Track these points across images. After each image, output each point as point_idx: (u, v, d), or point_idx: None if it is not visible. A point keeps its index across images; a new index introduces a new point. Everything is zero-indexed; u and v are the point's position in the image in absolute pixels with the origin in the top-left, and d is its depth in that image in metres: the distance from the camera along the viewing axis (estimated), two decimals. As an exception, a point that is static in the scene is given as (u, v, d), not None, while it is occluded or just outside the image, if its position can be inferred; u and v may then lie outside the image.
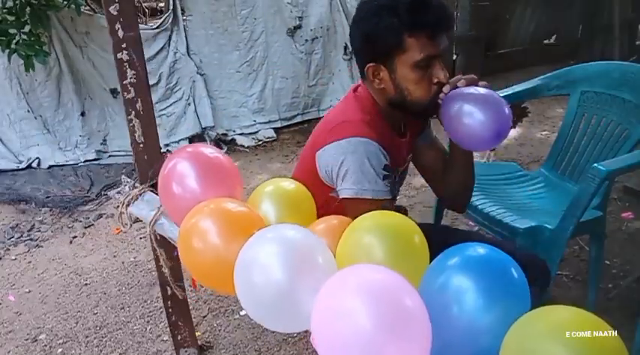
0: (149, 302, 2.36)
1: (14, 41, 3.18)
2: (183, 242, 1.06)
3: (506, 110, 1.16)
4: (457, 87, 1.19)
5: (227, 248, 1.00)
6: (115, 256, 2.73)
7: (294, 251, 0.90)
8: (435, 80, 1.20)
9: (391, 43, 1.18)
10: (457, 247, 0.88)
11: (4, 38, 3.16)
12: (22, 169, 3.61)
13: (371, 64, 1.23)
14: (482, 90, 1.18)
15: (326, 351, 0.79)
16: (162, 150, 2.42)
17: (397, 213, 1.02)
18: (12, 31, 3.19)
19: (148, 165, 1.59)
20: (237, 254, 0.95)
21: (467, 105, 1.15)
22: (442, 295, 0.82)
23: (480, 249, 0.86)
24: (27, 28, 3.27)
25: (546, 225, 1.60)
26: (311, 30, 4.01)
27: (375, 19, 1.18)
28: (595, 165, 1.50)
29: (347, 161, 1.20)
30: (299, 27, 3.98)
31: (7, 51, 3.20)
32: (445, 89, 1.19)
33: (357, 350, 0.74)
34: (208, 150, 1.25)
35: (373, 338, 0.73)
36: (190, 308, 1.95)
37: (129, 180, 1.61)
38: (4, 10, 3.16)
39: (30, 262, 2.74)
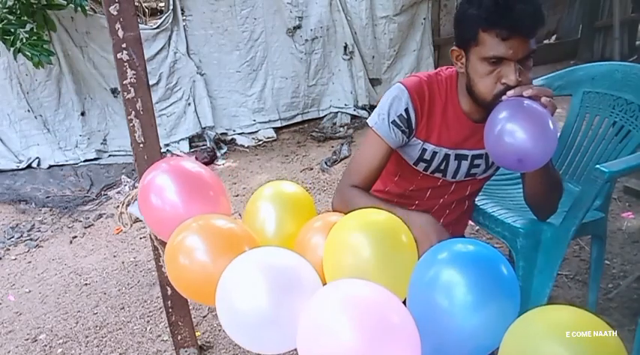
0: (149, 302, 2.36)
1: (18, 40, 3.18)
2: (170, 259, 1.04)
3: (552, 146, 1.09)
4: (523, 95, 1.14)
5: (215, 265, 0.97)
6: (115, 256, 2.73)
7: (276, 276, 0.87)
8: (504, 80, 1.19)
9: (468, 32, 1.21)
10: (446, 243, 0.88)
11: (8, 37, 3.16)
12: (22, 169, 3.61)
13: (455, 48, 1.28)
14: (539, 112, 1.09)
15: None
16: (162, 150, 2.43)
17: (383, 211, 1.02)
18: (14, 30, 3.19)
19: (148, 165, 1.58)
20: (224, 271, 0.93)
21: (513, 121, 1.08)
22: (431, 290, 0.82)
23: (469, 245, 0.86)
24: (28, 27, 3.27)
25: (548, 226, 1.59)
26: (311, 30, 4.01)
27: (465, 5, 1.22)
28: (597, 166, 1.49)
29: (383, 96, 1.39)
30: (299, 27, 3.98)
31: (12, 49, 3.19)
32: (509, 93, 1.15)
33: None
34: (189, 164, 1.23)
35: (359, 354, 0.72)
36: (190, 308, 1.95)
37: (129, 180, 1.61)
38: (5, 10, 3.15)
39: (30, 262, 2.74)
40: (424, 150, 1.40)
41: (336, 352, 0.74)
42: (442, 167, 1.43)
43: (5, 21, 3.14)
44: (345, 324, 0.74)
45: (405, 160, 1.45)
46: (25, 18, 3.19)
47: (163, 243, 1.56)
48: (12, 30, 3.16)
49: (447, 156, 1.40)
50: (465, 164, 1.43)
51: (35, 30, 3.27)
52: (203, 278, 0.99)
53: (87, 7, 3.35)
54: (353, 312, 0.76)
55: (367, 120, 1.41)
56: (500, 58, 1.17)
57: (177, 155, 3.69)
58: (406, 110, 1.33)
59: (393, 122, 1.34)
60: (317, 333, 0.77)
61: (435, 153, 1.40)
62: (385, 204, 1.28)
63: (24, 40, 3.17)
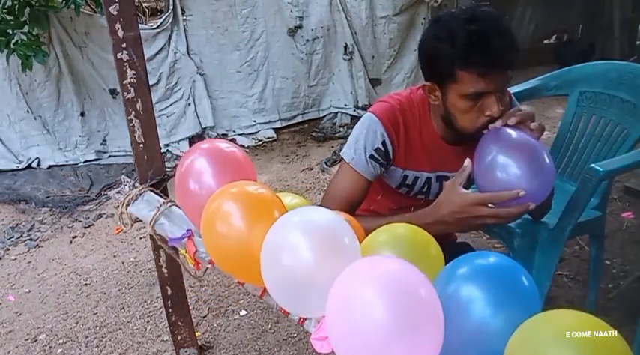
0: (149, 302, 2.36)
1: (13, 41, 3.18)
2: (206, 225, 1.06)
3: (550, 179, 1.05)
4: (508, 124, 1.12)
5: (250, 231, 1.00)
6: (115, 256, 2.73)
7: (321, 232, 0.90)
8: (487, 112, 1.17)
9: (444, 71, 1.17)
10: (467, 256, 0.88)
11: (3, 38, 3.16)
12: (22, 169, 3.62)
13: (427, 84, 1.24)
14: (529, 143, 1.07)
15: (338, 339, 0.80)
16: (162, 150, 2.43)
17: (411, 225, 1.01)
18: (10, 31, 3.19)
19: (148, 165, 1.59)
20: (259, 237, 0.96)
21: (505, 155, 1.05)
22: (451, 304, 0.82)
23: (489, 258, 0.86)
24: (26, 29, 3.27)
25: (544, 226, 1.60)
26: (311, 30, 4.01)
27: (435, 42, 1.18)
28: (592, 165, 1.49)
29: (355, 128, 1.36)
30: (299, 27, 3.98)
31: (5, 51, 3.20)
32: (497, 123, 1.12)
33: (369, 339, 0.74)
34: (224, 144, 1.25)
35: (386, 328, 0.74)
36: (190, 308, 1.95)
37: (129, 180, 1.61)
38: (4, 10, 3.16)
39: (30, 262, 2.74)
40: (405, 177, 1.38)
41: (365, 324, 0.75)
42: (425, 190, 1.41)
43: (3, 22, 3.14)
44: (375, 297, 0.75)
45: (387, 184, 1.43)
46: (22, 19, 3.19)
47: (165, 242, 1.57)
48: (9, 31, 3.16)
49: (428, 180, 1.39)
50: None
51: (31, 30, 3.27)
52: (237, 243, 1.01)
53: (82, 7, 3.34)
54: (383, 285, 0.77)
55: (341, 154, 1.36)
56: (480, 93, 1.15)
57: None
58: (383, 142, 1.30)
59: (371, 156, 1.31)
60: (346, 305, 0.78)
61: (416, 178, 1.38)
62: (386, 219, 1.24)
63: (18, 42, 3.17)
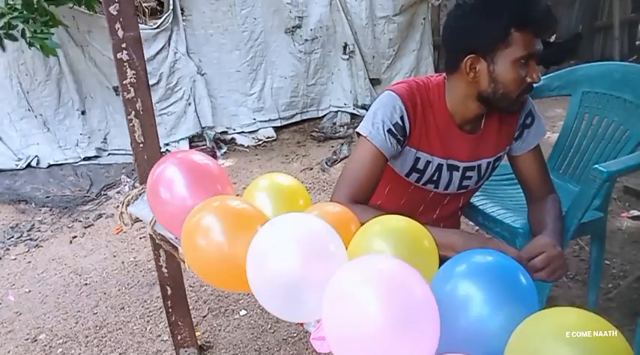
0: (149, 302, 2.36)
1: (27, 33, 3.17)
2: (187, 240, 1.06)
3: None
4: None
5: (231, 244, 0.99)
6: (115, 256, 2.73)
7: (307, 238, 0.90)
8: (529, 80, 1.21)
9: (496, 35, 1.19)
10: (465, 254, 0.87)
11: (13, 31, 3.15)
12: (22, 169, 3.61)
13: (471, 56, 1.23)
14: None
15: (335, 340, 0.79)
16: (162, 150, 2.42)
17: (406, 217, 1.01)
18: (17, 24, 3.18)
19: (147, 165, 1.58)
20: (240, 250, 0.95)
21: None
22: (449, 302, 0.81)
23: (487, 256, 0.86)
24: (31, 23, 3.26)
25: (547, 226, 1.59)
26: (311, 30, 4.01)
27: (486, 8, 1.20)
28: (596, 166, 1.49)
29: (373, 105, 1.35)
30: (298, 27, 3.98)
31: (25, 38, 3.18)
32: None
33: (365, 340, 0.74)
34: (197, 156, 1.24)
35: (383, 329, 0.73)
36: (190, 308, 1.95)
37: (129, 179, 1.61)
38: (7, 6, 3.14)
39: (30, 262, 2.74)
40: (418, 159, 1.37)
41: (361, 323, 0.75)
42: (435, 177, 1.40)
43: (10, 15, 3.12)
44: (372, 296, 0.75)
45: (396, 172, 1.41)
46: (26, 12, 3.17)
47: (165, 241, 1.56)
48: (16, 24, 3.15)
49: (439, 166, 1.38)
50: (456, 175, 1.40)
51: (37, 25, 3.26)
52: (218, 256, 1.00)
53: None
54: (379, 284, 0.76)
55: (357, 130, 1.34)
56: (531, 55, 1.19)
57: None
58: (401, 118, 1.30)
59: (389, 131, 1.29)
60: (343, 304, 0.78)
61: (428, 163, 1.37)
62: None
63: (29, 34, 3.17)
